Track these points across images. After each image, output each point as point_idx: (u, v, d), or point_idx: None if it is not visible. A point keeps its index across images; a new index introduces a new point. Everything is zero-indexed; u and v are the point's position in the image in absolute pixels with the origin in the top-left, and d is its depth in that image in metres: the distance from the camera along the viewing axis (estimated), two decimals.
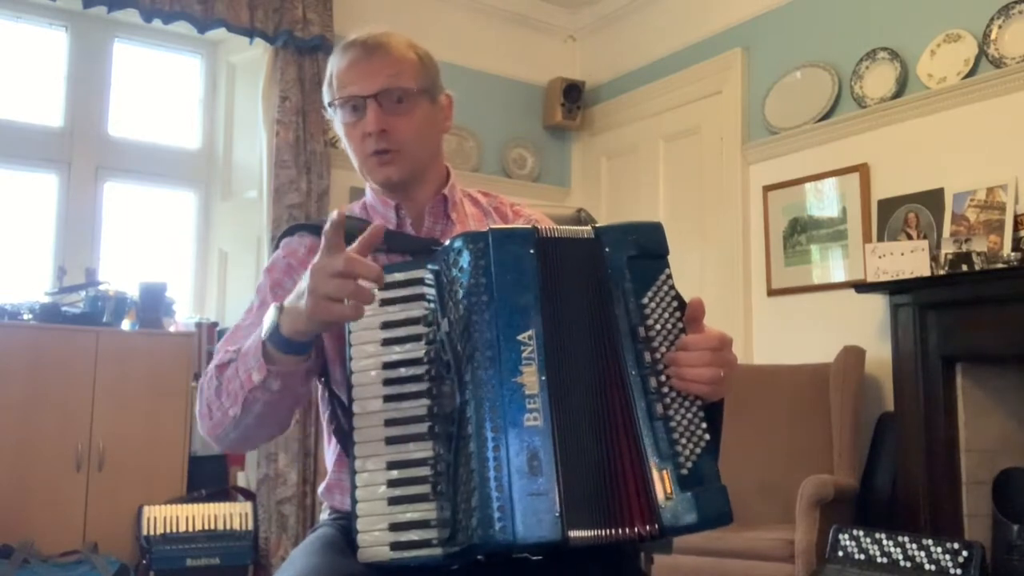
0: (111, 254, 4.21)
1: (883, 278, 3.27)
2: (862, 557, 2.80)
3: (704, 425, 1.11)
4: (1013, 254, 3.02)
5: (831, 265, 3.76)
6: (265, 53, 4.16)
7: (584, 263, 1.16)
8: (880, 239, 3.49)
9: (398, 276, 1.19)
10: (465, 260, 1.13)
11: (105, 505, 3.47)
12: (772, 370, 3.63)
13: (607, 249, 1.16)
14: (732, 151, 4.25)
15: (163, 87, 4.48)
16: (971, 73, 3.30)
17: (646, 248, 1.16)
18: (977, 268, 3.04)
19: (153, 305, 3.81)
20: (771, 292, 4.01)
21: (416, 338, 1.16)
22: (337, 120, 1.40)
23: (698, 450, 1.09)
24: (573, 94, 5.03)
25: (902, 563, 2.74)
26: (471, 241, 1.14)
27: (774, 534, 2.98)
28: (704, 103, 4.45)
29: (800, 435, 3.40)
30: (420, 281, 1.18)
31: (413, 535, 1.11)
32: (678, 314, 1.15)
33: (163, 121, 4.45)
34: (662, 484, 1.07)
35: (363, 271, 1.08)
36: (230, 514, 3.56)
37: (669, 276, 1.16)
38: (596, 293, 1.14)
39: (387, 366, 1.16)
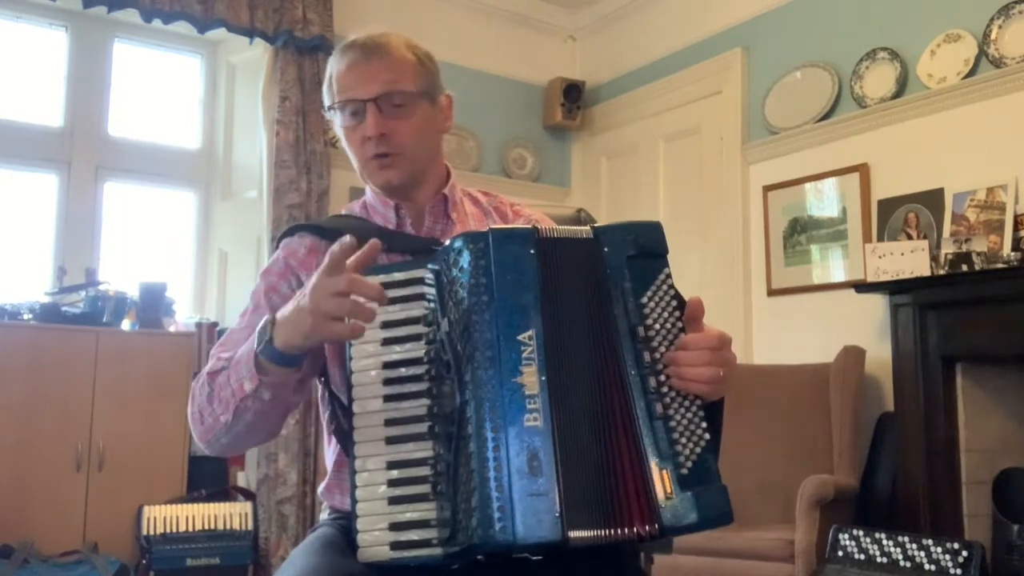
0: (111, 254, 4.21)
1: (883, 278, 3.27)
2: (862, 557, 2.80)
3: (704, 424, 1.11)
4: (1013, 254, 3.02)
5: (831, 265, 3.76)
6: (265, 53, 4.16)
7: (584, 263, 1.16)
8: (880, 239, 3.49)
9: (398, 276, 1.19)
10: (465, 260, 1.13)
11: (105, 505, 3.47)
12: (772, 370, 3.63)
13: (606, 249, 1.16)
14: (732, 151, 4.25)
15: (163, 87, 4.48)
16: (971, 73, 3.30)
17: (645, 247, 1.16)
18: (977, 268, 3.04)
19: (153, 305, 3.81)
20: (771, 292, 4.01)
21: (416, 338, 1.16)
22: (337, 122, 1.40)
23: (698, 449, 1.09)
24: (573, 94, 5.03)
25: (902, 563, 2.74)
26: (471, 241, 1.14)
27: (774, 534, 2.98)
28: (704, 103, 4.45)
29: (800, 435, 3.40)
30: (420, 281, 1.18)
31: (413, 535, 1.11)
32: (677, 313, 1.15)
33: (163, 121, 4.45)
34: (662, 484, 1.07)
35: (364, 290, 1.09)
36: (230, 514, 3.56)
37: (668, 275, 1.16)
38: (596, 293, 1.14)
39: (387, 366, 1.16)
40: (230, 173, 4.47)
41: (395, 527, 1.11)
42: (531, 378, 1.07)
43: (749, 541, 2.96)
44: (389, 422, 1.14)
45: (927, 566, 2.69)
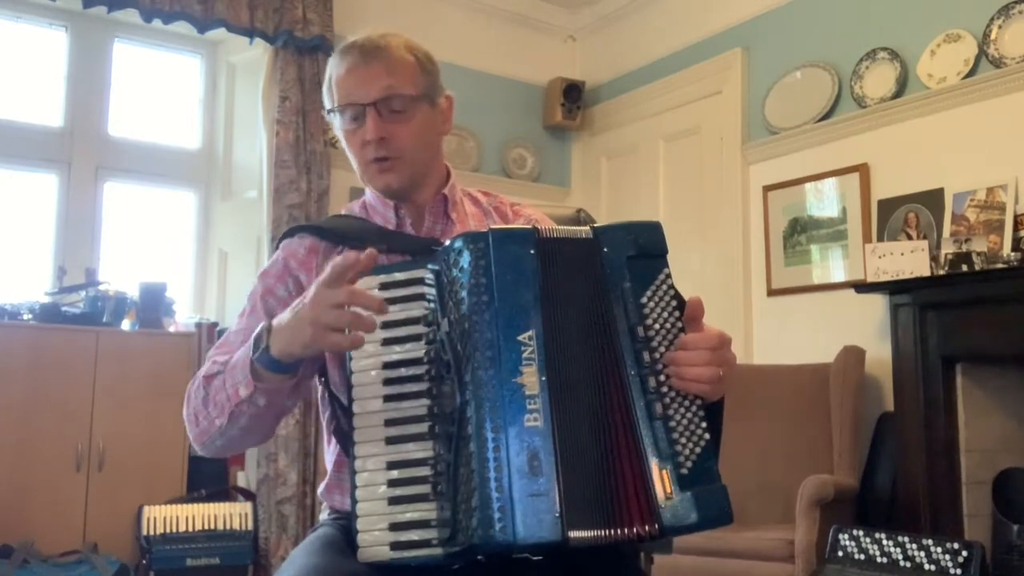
0: (111, 254, 4.21)
1: (883, 278, 3.27)
2: (862, 557, 2.80)
3: (704, 424, 1.11)
4: (1013, 254, 3.02)
5: (831, 265, 3.76)
6: (265, 53, 4.16)
7: (584, 263, 1.16)
8: (880, 239, 3.49)
9: (398, 276, 1.19)
10: (465, 260, 1.13)
11: (105, 505, 3.47)
12: (772, 370, 3.63)
13: (606, 249, 1.16)
14: (732, 151, 4.25)
15: (163, 87, 4.48)
16: (971, 73, 3.30)
17: (645, 248, 1.16)
18: (977, 268, 3.04)
19: (153, 305, 3.81)
20: (771, 292, 4.01)
21: (416, 338, 1.16)
22: (337, 125, 1.40)
23: (698, 449, 1.09)
24: (573, 94, 5.03)
25: (902, 563, 2.74)
26: (471, 241, 1.14)
27: (774, 534, 2.98)
28: (704, 103, 4.45)
29: (800, 435, 3.40)
30: (420, 281, 1.18)
31: (413, 535, 1.11)
32: (677, 313, 1.15)
33: (163, 121, 4.45)
34: (662, 484, 1.07)
35: (364, 302, 1.09)
36: (230, 514, 3.56)
37: (668, 275, 1.16)
38: (596, 293, 1.14)
39: (387, 366, 1.16)
40: (230, 173, 4.47)
41: (395, 527, 1.11)
42: (531, 378, 1.08)
43: (749, 541, 2.96)
44: (389, 422, 1.14)
45: (927, 566, 2.69)
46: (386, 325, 1.17)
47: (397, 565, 1.11)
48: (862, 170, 3.65)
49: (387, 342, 1.17)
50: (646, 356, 1.11)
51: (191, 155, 4.50)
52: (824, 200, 3.80)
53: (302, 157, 4.10)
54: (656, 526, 1.06)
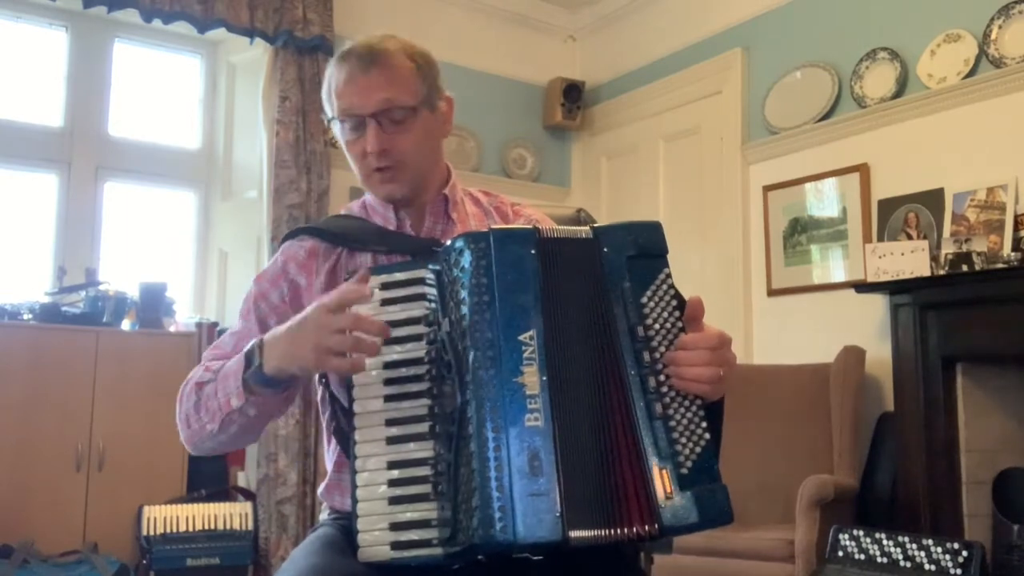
0: (111, 254, 4.21)
1: (883, 278, 3.27)
2: (862, 557, 2.80)
3: (704, 424, 1.11)
4: (1013, 254, 3.02)
5: (831, 265, 3.76)
6: (265, 53, 4.16)
7: (584, 263, 1.16)
8: (880, 239, 3.49)
9: (399, 276, 1.19)
10: (466, 260, 1.13)
11: (105, 505, 3.47)
12: (772, 370, 3.63)
13: (606, 249, 1.16)
14: (732, 151, 4.25)
15: (163, 87, 4.48)
16: (971, 73, 3.30)
17: (645, 248, 1.16)
18: (977, 268, 3.04)
19: (153, 305, 3.81)
20: (771, 292, 4.01)
21: (417, 338, 1.16)
22: (337, 132, 1.39)
23: (698, 449, 1.09)
24: (573, 94, 5.03)
25: (902, 563, 2.74)
26: (472, 241, 1.14)
27: (774, 534, 2.98)
28: (704, 103, 4.45)
29: (800, 435, 3.40)
30: (421, 281, 1.18)
31: (413, 535, 1.11)
32: (677, 313, 1.15)
33: (163, 121, 4.45)
34: (662, 484, 1.07)
35: (368, 328, 1.11)
36: (230, 514, 3.56)
37: (668, 275, 1.16)
38: (596, 293, 1.14)
39: (388, 366, 1.16)
40: (230, 173, 4.47)
41: (395, 527, 1.11)
42: (532, 378, 1.08)
43: (749, 541, 2.96)
44: (390, 422, 1.15)
45: (927, 566, 2.69)
46: (387, 325, 1.17)
47: (397, 565, 1.11)
48: (862, 170, 3.65)
49: (388, 342, 1.17)
50: (646, 356, 1.12)
51: (191, 155, 4.50)
52: (824, 200, 3.80)
53: (302, 157, 4.10)
54: (656, 526, 1.06)
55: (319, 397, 1.40)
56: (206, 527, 3.49)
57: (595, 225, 1.21)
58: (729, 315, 4.08)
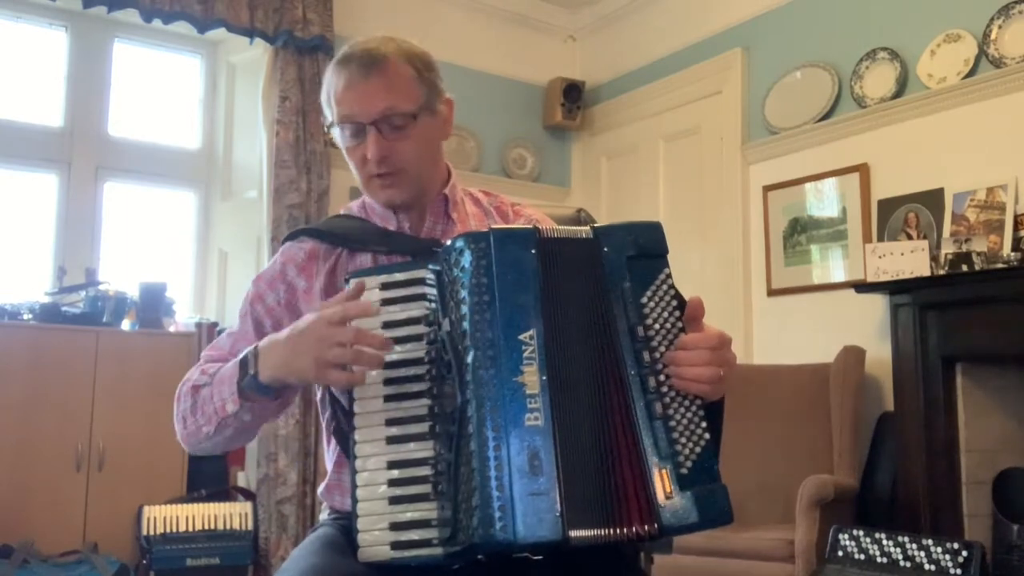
0: (111, 254, 4.21)
1: (883, 278, 3.27)
2: (862, 557, 2.80)
3: (704, 424, 1.11)
4: (1013, 254, 3.02)
5: (831, 265, 3.76)
6: (265, 53, 4.16)
7: (584, 263, 1.16)
8: (880, 239, 3.49)
9: (399, 276, 1.19)
10: (467, 260, 1.13)
11: (105, 505, 3.47)
12: (772, 370, 3.63)
13: (606, 249, 1.16)
14: (732, 151, 4.25)
15: (163, 87, 4.48)
16: (971, 73, 3.30)
17: (645, 248, 1.16)
18: (977, 268, 3.04)
19: (153, 305, 3.81)
20: (771, 292, 4.00)
21: (417, 338, 1.16)
22: (337, 137, 1.39)
23: (698, 449, 1.09)
24: (573, 94, 5.03)
25: (902, 563, 2.74)
26: (473, 241, 1.14)
27: (774, 534, 2.98)
28: (704, 103, 4.45)
29: (800, 435, 3.40)
30: (422, 281, 1.18)
31: (414, 534, 1.11)
32: (677, 313, 1.15)
33: (163, 121, 4.45)
34: (662, 484, 1.07)
35: (370, 342, 1.11)
36: (230, 514, 3.56)
37: (668, 276, 1.16)
38: (596, 293, 1.14)
39: (388, 366, 1.16)
40: (230, 173, 4.47)
41: (395, 527, 1.11)
42: (532, 377, 1.08)
43: (749, 541, 2.96)
44: (390, 422, 1.15)
45: (927, 566, 2.69)
46: (387, 325, 1.17)
47: (397, 565, 1.11)
48: (862, 170, 3.65)
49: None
50: (646, 356, 1.12)
51: (191, 155, 4.50)
52: (824, 200, 3.80)
53: (302, 157, 4.10)
54: (656, 526, 1.06)
55: (319, 397, 1.41)
56: (206, 527, 3.49)
57: (595, 225, 1.21)
58: (729, 315, 4.08)
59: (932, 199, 3.37)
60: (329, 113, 1.38)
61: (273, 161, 4.06)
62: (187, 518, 3.48)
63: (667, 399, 1.10)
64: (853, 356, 3.38)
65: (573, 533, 1.03)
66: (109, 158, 4.23)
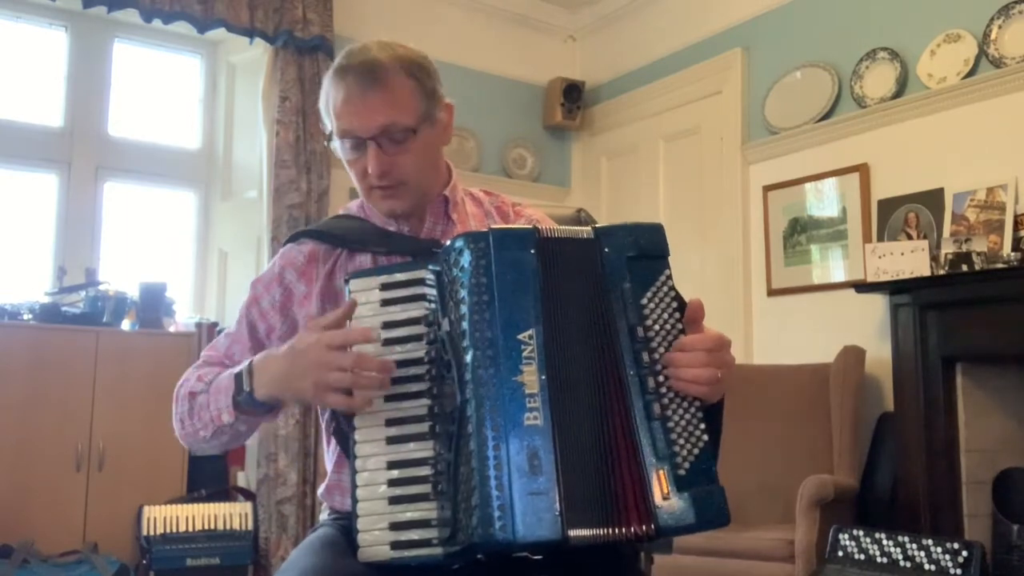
0: (111, 254, 4.21)
1: (883, 278, 3.27)
2: (862, 557, 2.80)
3: (702, 426, 1.11)
4: (1013, 254, 3.02)
5: (831, 265, 3.76)
6: (265, 53, 4.16)
7: (584, 263, 1.16)
8: (880, 239, 3.49)
9: (399, 276, 1.19)
10: (466, 260, 1.13)
11: (105, 505, 3.47)
12: (772, 370, 3.63)
13: (607, 249, 1.16)
14: (732, 151, 4.25)
15: (163, 87, 4.48)
16: (971, 73, 3.30)
17: (646, 249, 1.16)
18: (977, 268, 3.04)
19: (153, 305, 3.81)
20: (771, 292, 4.00)
21: (417, 338, 1.16)
22: (337, 149, 1.38)
23: (696, 451, 1.09)
24: (573, 94, 5.03)
25: (902, 563, 2.74)
26: (472, 241, 1.14)
27: (774, 534, 2.98)
28: (704, 103, 4.45)
29: (800, 435, 3.40)
30: (421, 281, 1.18)
31: (413, 534, 1.11)
32: (677, 315, 1.15)
33: (163, 121, 4.45)
34: (659, 484, 1.07)
35: (372, 367, 1.12)
36: (230, 514, 3.56)
37: (669, 277, 1.16)
38: (596, 293, 1.14)
39: None
40: (230, 173, 4.47)
41: (395, 527, 1.11)
42: (531, 377, 1.08)
43: (749, 541, 2.96)
44: (390, 422, 1.15)
45: (927, 566, 2.69)
46: (387, 326, 1.17)
47: (397, 565, 1.11)
48: (862, 170, 3.64)
49: (388, 342, 1.17)
50: (645, 356, 1.12)
51: (191, 155, 4.50)
52: (824, 200, 3.80)
53: (302, 157, 4.10)
54: (652, 526, 1.06)
55: None
56: (206, 527, 3.49)
57: (596, 225, 1.21)
58: (729, 315, 4.08)
59: (932, 199, 3.37)
60: (328, 122, 1.37)
61: (273, 161, 4.06)
62: (187, 518, 3.48)
63: (666, 400, 1.10)
64: (853, 356, 3.38)
65: (572, 533, 1.03)
66: (109, 158, 4.23)
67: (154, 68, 4.47)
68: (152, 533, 3.40)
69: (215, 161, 4.51)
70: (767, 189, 4.04)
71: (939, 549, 2.69)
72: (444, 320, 1.14)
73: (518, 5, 5.04)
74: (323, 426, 1.41)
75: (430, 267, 1.18)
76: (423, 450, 1.13)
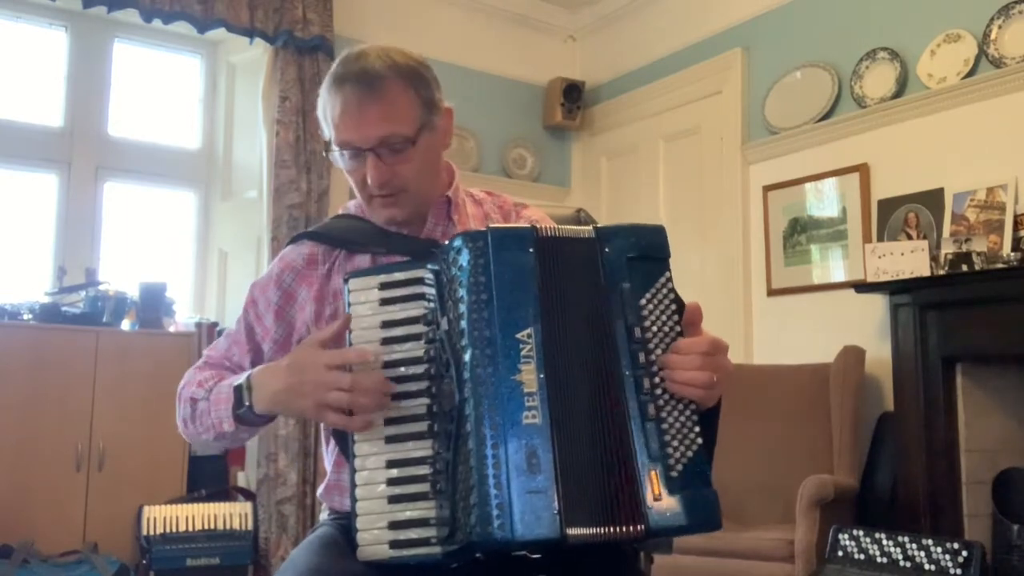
0: (111, 254, 4.21)
1: (883, 278, 3.27)
2: (862, 557, 2.80)
3: (697, 429, 1.11)
4: (1013, 254, 3.02)
5: (831, 265, 3.76)
6: (265, 53, 4.16)
7: (584, 263, 1.16)
8: (880, 239, 3.49)
9: (398, 276, 1.19)
10: (464, 259, 1.13)
11: (105, 505, 3.47)
12: (772, 370, 3.63)
13: (607, 249, 1.16)
14: (732, 151, 4.25)
15: (163, 87, 4.48)
16: (971, 73, 3.30)
17: (647, 250, 1.16)
18: (977, 268, 3.04)
19: (153, 305, 3.81)
20: (771, 292, 4.00)
21: (416, 337, 1.16)
22: (336, 159, 1.38)
23: (689, 453, 1.09)
24: (573, 94, 5.03)
25: (902, 563, 2.74)
26: (471, 240, 1.14)
27: (774, 534, 2.98)
28: (704, 103, 4.45)
29: (800, 435, 3.40)
30: (420, 281, 1.18)
31: (412, 533, 1.11)
32: (676, 317, 1.15)
33: (163, 121, 4.45)
34: (651, 485, 1.07)
35: (369, 387, 1.12)
36: (230, 514, 3.56)
37: (669, 279, 1.16)
38: (594, 292, 1.15)
39: (387, 365, 1.16)
40: (230, 173, 4.47)
41: (394, 526, 1.12)
42: (530, 376, 1.08)
43: (749, 541, 2.96)
44: (389, 421, 1.15)
45: (927, 566, 2.69)
46: (386, 325, 1.18)
47: (396, 564, 1.11)
48: (862, 170, 3.64)
49: (387, 341, 1.17)
50: (642, 357, 1.12)
51: (191, 155, 4.50)
52: (824, 200, 3.80)
53: (302, 157, 4.10)
54: (642, 527, 1.06)
55: None
56: (206, 527, 3.49)
57: (598, 226, 1.21)
58: (729, 315, 4.08)
59: (932, 199, 3.37)
60: (327, 130, 1.37)
61: (273, 161, 4.06)
62: (187, 518, 3.48)
63: (661, 401, 1.11)
64: (853, 356, 3.38)
65: (571, 531, 1.03)
66: (109, 158, 4.23)
67: (154, 68, 4.47)
68: (152, 533, 3.40)
69: (215, 161, 4.51)
70: (767, 189, 4.04)
71: (939, 549, 2.69)
72: (443, 319, 1.14)
73: (518, 5, 5.04)
74: (322, 426, 1.41)
75: (429, 266, 1.18)
76: (422, 449, 1.13)
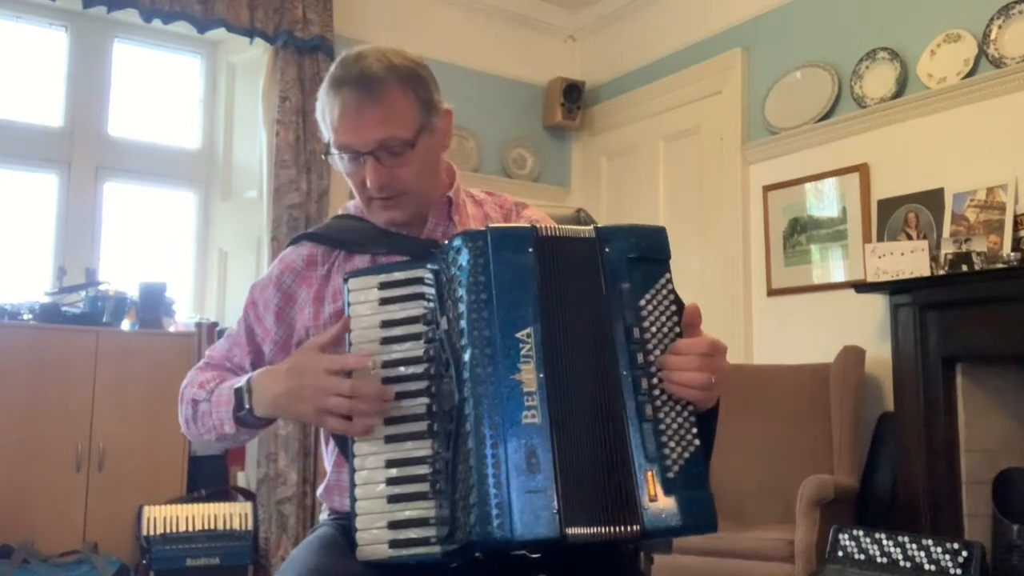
0: (111, 254, 4.21)
1: (883, 278, 3.27)
2: (862, 557, 2.80)
3: (694, 430, 1.11)
4: (1013, 254, 3.02)
5: (831, 265, 3.76)
6: (265, 53, 4.16)
7: (583, 263, 1.16)
8: (880, 239, 3.49)
9: (398, 275, 1.19)
10: (464, 259, 1.13)
11: (105, 505, 3.47)
12: (772, 370, 3.63)
13: (607, 250, 1.16)
14: (732, 151, 4.25)
15: (163, 87, 4.48)
16: (971, 73, 3.30)
17: (647, 251, 1.16)
18: (977, 268, 3.04)
19: (153, 305, 3.81)
20: (771, 292, 4.00)
21: (416, 337, 1.16)
22: (336, 162, 1.38)
23: (686, 455, 1.09)
24: (573, 94, 5.03)
25: (902, 563, 2.74)
26: (470, 240, 1.14)
27: (774, 534, 2.98)
28: (704, 103, 4.45)
29: (800, 435, 3.40)
30: (420, 280, 1.18)
31: (412, 533, 1.11)
32: (675, 319, 1.15)
33: (163, 121, 4.45)
34: (647, 486, 1.07)
35: (368, 393, 1.13)
36: (230, 514, 3.56)
37: (669, 280, 1.16)
38: (594, 292, 1.15)
39: (387, 365, 1.16)
40: (230, 173, 4.47)
41: (394, 525, 1.12)
42: (529, 375, 1.08)
43: (749, 541, 2.96)
44: (388, 420, 1.15)
45: (927, 566, 2.69)
46: (385, 324, 1.18)
47: (395, 563, 1.11)
48: (862, 170, 3.64)
49: (386, 341, 1.17)
50: (640, 358, 1.12)
51: (191, 155, 4.50)
52: (824, 200, 3.80)
53: (302, 157, 4.10)
54: (638, 527, 1.06)
55: None
56: (206, 527, 3.49)
57: (599, 226, 1.21)
58: (729, 315, 4.08)
59: (932, 199, 3.37)
60: (326, 132, 1.37)
61: (273, 161, 4.06)
62: (187, 518, 3.48)
63: (658, 402, 1.11)
64: (853, 356, 3.38)
65: (570, 531, 1.03)
66: (109, 158, 4.23)
67: (154, 68, 4.47)
68: (152, 533, 3.40)
69: (215, 161, 4.51)
70: (767, 189, 4.04)
71: (939, 549, 2.68)
72: (442, 319, 1.14)
73: (518, 5, 5.04)
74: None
75: (428, 266, 1.18)
76: (421, 449, 1.13)
